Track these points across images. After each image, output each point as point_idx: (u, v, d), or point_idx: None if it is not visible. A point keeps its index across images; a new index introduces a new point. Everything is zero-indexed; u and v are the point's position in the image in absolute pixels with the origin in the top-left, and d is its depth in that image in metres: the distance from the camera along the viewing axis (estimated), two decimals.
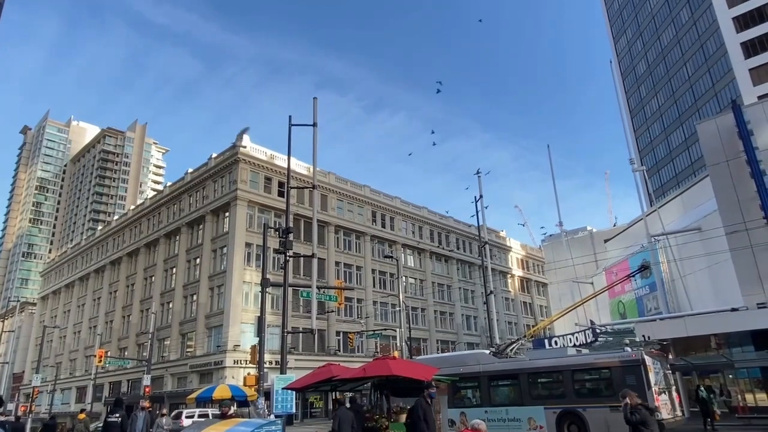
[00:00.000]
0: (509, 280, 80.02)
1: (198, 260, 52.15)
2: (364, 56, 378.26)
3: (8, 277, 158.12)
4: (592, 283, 42.31)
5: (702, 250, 30.06)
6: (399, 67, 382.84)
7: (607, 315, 41.48)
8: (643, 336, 24.36)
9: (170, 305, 53.90)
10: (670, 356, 23.57)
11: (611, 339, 28.08)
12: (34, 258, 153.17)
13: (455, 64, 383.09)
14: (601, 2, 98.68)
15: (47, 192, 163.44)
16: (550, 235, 55.45)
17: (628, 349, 18.85)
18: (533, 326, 69.19)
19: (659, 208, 36.47)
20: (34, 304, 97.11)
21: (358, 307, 55.87)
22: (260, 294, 23.57)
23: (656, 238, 33.76)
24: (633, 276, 35.16)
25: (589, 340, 26.46)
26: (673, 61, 77.47)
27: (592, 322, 31.05)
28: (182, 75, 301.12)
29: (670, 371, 20.71)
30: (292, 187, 23.49)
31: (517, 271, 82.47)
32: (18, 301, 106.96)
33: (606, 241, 47.72)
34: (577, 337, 26.71)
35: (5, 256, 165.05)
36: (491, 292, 34.89)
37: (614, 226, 58.12)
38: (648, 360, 17.33)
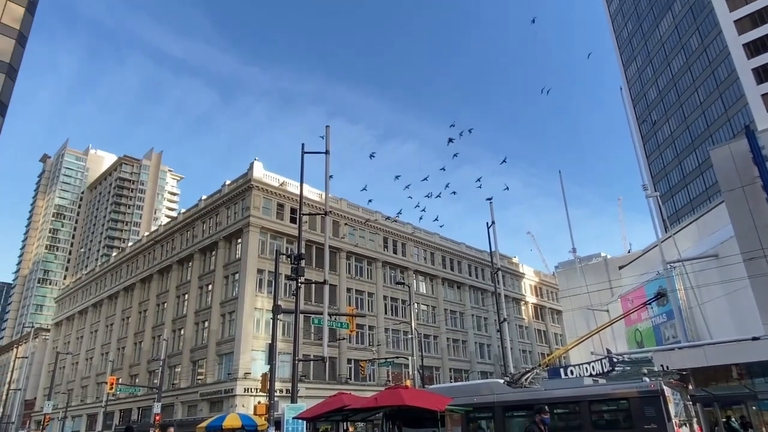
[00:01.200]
0: (523, 307, 78.98)
1: (210, 287, 52.25)
2: (375, 86, 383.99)
3: (23, 303, 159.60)
4: (607, 311, 41.55)
5: (720, 277, 29.49)
6: (409, 96, 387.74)
7: (623, 343, 40.59)
8: (662, 365, 23.74)
9: (182, 332, 53.86)
10: (690, 387, 22.91)
11: (629, 368, 27.40)
12: (50, 284, 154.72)
13: (465, 93, 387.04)
14: (610, 30, 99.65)
15: (64, 219, 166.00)
16: (564, 262, 54.79)
17: (647, 379, 18.37)
18: (548, 355, 67.95)
19: (674, 234, 35.98)
20: (48, 330, 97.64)
21: (369, 334, 55.37)
22: (272, 321, 23.49)
23: (672, 264, 33.21)
24: (649, 303, 34.49)
25: (605, 370, 25.82)
26: (684, 87, 77.55)
27: (608, 351, 30.37)
28: (198, 105, 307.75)
29: (691, 402, 20.11)
30: (304, 214, 23.63)
31: (531, 298, 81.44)
32: (32, 327, 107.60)
33: (621, 267, 47.01)
34: (593, 367, 26.09)
35: (21, 282, 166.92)
36: (505, 319, 34.41)
37: (629, 252, 57.34)
38: (667, 390, 16.86)
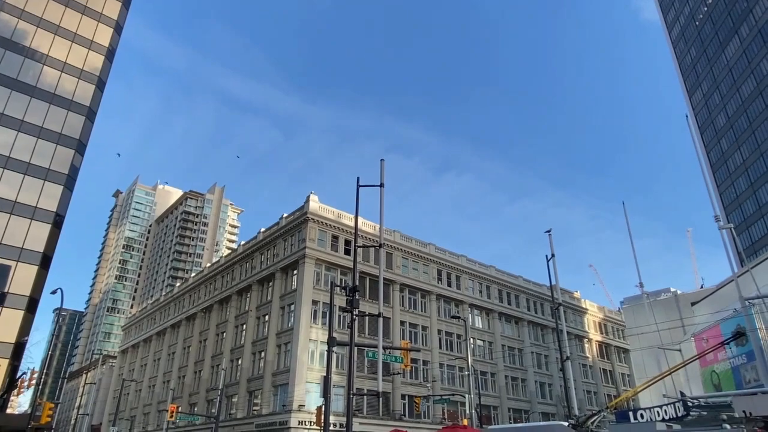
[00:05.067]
0: (586, 345, 75.27)
1: (267, 317, 53.09)
2: (431, 120, 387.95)
3: (93, 331, 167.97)
4: (680, 350, 38.83)
5: None
6: (466, 129, 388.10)
7: (698, 386, 37.67)
8: (744, 411, 21.75)
9: (239, 362, 54.74)
10: None
11: (705, 413, 25.29)
12: (118, 312, 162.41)
13: (523, 124, 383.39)
14: (672, 56, 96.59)
15: (133, 250, 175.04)
16: (630, 297, 52.04)
17: (727, 426, 16.87)
18: (615, 396, 64.03)
19: (752, 268, 33.45)
20: (115, 357, 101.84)
21: (423, 369, 54.23)
22: (326, 353, 23.43)
23: (750, 301, 30.79)
24: (727, 344, 32.00)
25: (680, 414, 23.94)
26: (756, 113, 73.49)
27: (682, 394, 28.25)
28: (262, 143, 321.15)
29: None
30: (359, 246, 23.71)
31: (595, 335, 77.57)
32: (100, 354, 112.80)
33: (693, 304, 44.06)
34: (666, 410, 24.25)
35: (92, 311, 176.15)
36: (568, 357, 32.83)
37: (701, 287, 53.83)
38: None
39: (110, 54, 57.68)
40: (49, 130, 50.32)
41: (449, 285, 61.36)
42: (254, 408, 50.03)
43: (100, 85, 55.77)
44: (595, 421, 21.31)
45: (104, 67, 56.59)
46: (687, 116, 41.68)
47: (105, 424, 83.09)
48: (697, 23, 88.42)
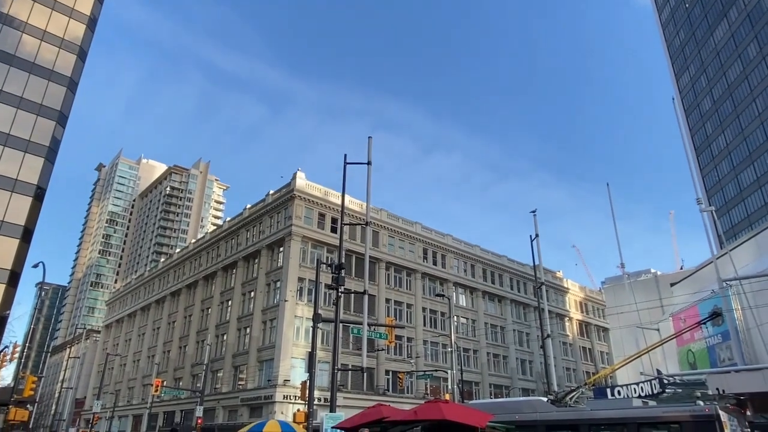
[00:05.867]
0: (567, 324, 76.73)
1: (252, 294, 53.19)
2: (420, 99, 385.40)
3: (77, 306, 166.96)
4: (658, 330, 39.75)
5: None
6: (455, 108, 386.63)
7: (675, 364, 38.73)
8: (717, 389, 22.43)
9: (224, 337, 54.96)
10: (749, 413, 21.56)
11: (680, 391, 26.06)
12: (101, 287, 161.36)
13: (511, 105, 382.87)
14: (661, 39, 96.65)
15: (116, 225, 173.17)
16: (611, 278, 53.00)
17: (701, 402, 17.37)
18: (594, 373, 65.62)
19: (731, 250, 34.15)
20: (99, 332, 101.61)
21: (408, 346, 54.96)
22: (311, 329, 23.62)
23: (728, 282, 31.50)
24: (703, 323, 32.83)
25: (655, 391, 24.64)
26: (741, 98, 74.18)
27: (659, 372, 29.02)
28: (248, 118, 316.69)
29: (749, 430, 18.88)
30: (345, 224, 23.73)
31: (576, 314, 79.04)
32: (84, 328, 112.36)
33: (672, 284, 44.98)
34: (642, 388, 24.94)
35: (75, 285, 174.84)
36: (548, 335, 33.48)
37: (681, 269, 54.94)
38: (723, 416, 15.86)
39: (92, 23, 56.11)
40: (29, 100, 49.12)
41: (435, 264, 61.85)
42: (239, 383, 50.46)
43: (82, 55, 54.37)
44: (573, 397, 21.84)
45: (86, 36, 55.10)
46: (674, 99, 41.91)
47: (89, 397, 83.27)
48: (687, 5, 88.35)
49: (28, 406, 56.55)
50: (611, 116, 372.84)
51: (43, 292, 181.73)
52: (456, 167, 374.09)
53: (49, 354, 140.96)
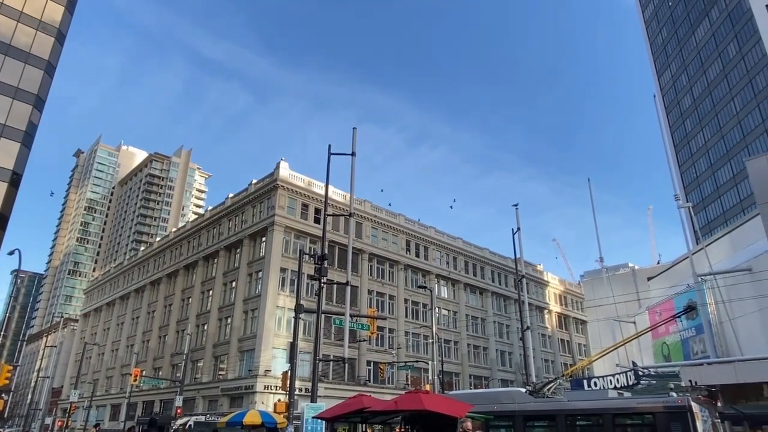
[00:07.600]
0: (546, 316, 77.82)
1: (234, 283, 52.87)
2: (407, 91, 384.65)
3: (54, 294, 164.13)
4: (634, 323, 40.60)
5: (753, 292, 28.54)
6: (441, 101, 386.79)
7: (650, 357, 39.64)
8: (690, 381, 23.08)
9: (205, 327, 54.61)
10: (719, 404, 22.20)
11: (654, 382, 26.73)
12: (79, 276, 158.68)
13: (498, 99, 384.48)
14: (644, 37, 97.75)
15: (95, 212, 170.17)
16: (590, 271, 53.86)
17: (674, 394, 17.84)
18: (571, 365, 66.79)
19: (706, 246, 34.95)
20: (77, 321, 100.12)
21: (389, 337, 55.24)
22: (293, 319, 23.62)
23: (703, 277, 32.27)
24: (678, 317, 33.61)
25: (631, 383, 25.25)
26: (720, 96, 75.53)
27: (634, 364, 29.69)
28: (234, 106, 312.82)
29: (719, 420, 19.46)
30: (328, 215, 23.70)
31: (555, 307, 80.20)
32: (61, 317, 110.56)
33: (649, 279, 45.91)
34: (618, 379, 25.55)
35: (52, 273, 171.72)
36: (528, 327, 33.97)
37: (658, 263, 56.01)
38: (695, 407, 16.34)
39: (71, 5, 54.72)
40: (5, 83, 47.81)
41: (417, 255, 62.11)
42: (220, 372, 50.26)
43: (60, 38, 53.04)
44: (551, 388, 22.21)
45: (64, 18, 53.72)
46: (654, 96, 42.57)
47: (66, 387, 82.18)
48: (670, 3, 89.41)
49: (3, 395, 55.68)
50: (594, 111, 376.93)
51: (18, 280, 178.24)
52: (441, 160, 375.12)
53: (25, 342, 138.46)
